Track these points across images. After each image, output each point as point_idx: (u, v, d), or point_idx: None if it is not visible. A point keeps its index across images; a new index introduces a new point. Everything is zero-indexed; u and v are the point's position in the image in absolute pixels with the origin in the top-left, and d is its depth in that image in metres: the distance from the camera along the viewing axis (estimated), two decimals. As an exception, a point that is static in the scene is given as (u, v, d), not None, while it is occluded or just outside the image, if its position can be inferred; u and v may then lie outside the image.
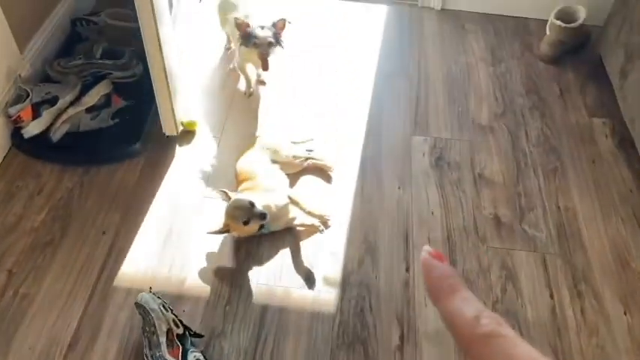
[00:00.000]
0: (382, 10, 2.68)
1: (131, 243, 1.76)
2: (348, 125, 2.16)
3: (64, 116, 1.95)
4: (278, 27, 2.05)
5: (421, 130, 2.16)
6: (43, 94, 1.97)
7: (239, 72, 2.24)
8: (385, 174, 2.01)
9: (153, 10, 1.62)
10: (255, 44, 2.00)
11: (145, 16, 1.64)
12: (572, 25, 2.34)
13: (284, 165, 1.93)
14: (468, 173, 2.03)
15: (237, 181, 1.83)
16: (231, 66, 2.29)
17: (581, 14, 2.36)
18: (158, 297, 1.51)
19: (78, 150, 1.95)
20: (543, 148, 2.13)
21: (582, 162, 2.09)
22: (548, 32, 2.41)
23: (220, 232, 1.68)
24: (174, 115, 1.93)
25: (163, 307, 1.48)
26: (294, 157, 1.95)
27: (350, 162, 2.04)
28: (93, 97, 2.02)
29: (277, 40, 2.05)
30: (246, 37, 2.01)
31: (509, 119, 2.22)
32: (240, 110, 2.19)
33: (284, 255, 1.77)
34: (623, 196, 1.99)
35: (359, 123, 2.18)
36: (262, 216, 1.63)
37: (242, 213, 1.63)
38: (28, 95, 1.94)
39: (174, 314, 1.50)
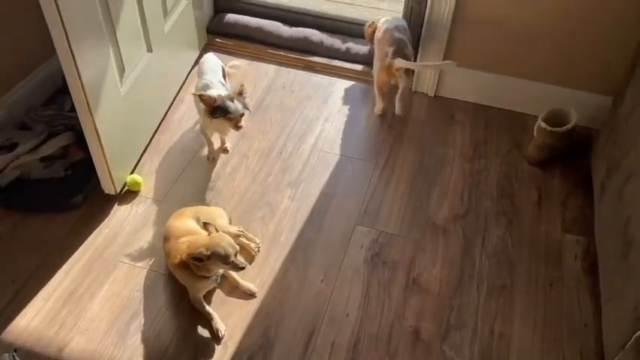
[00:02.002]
0: (371, 90, 2.59)
1: (34, 296, 1.76)
2: (296, 202, 2.08)
3: (16, 162, 2.04)
4: (242, 94, 2.05)
5: (368, 220, 2.03)
6: (3, 140, 2.09)
7: (202, 136, 2.25)
8: (314, 262, 1.90)
9: (79, 74, 1.67)
10: (229, 118, 2.00)
11: (73, 82, 1.69)
12: (559, 129, 2.14)
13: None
14: (402, 276, 1.86)
15: (173, 237, 1.75)
16: (197, 127, 2.32)
17: (572, 118, 2.16)
18: (16, 360, 1.49)
19: (21, 196, 2.02)
20: (497, 260, 1.92)
21: (538, 283, 1.86)
22: (535, 134, 2.22)
23: (199, 257, 1.58)
24: (110, 174, 1.96)
25: (16, 372, 1.46)
26: (224, 232, 1.89)
27: (283, 242, 1.95)
28: (50, 147, 2.11)
29: (247, 108, 2.05)
30: (217, 111, 1.99)
31: (468, 222, 2.04)
32: (192, 175, 2.18)
33: (177, 331, 1.69)
34: (574, 330, 1.73)
35: (307, 202, 2.09)
36: (241, 267, 1.65)
37: (234, 251, 1.63)
38: (-11, 139, 2.07)
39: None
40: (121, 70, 1.95)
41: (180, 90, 2.53)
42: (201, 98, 2.00)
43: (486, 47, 2.38)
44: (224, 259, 1.59)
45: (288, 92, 2.59)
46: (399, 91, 2.33)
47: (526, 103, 2.46)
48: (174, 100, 2.48)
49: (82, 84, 1.70)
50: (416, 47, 2.47)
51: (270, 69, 2.72)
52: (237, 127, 2.01)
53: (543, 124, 2.15)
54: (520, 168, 2.25)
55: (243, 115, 2.01)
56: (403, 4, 2.62)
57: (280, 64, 2.75)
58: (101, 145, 1.87)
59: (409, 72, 2.30)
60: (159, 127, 2.35)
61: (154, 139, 2.30)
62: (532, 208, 2.09)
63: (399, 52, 2.25)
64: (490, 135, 2.40)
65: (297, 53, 2.76)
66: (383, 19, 2.47)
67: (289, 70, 2.72)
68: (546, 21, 2.23)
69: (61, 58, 1.65)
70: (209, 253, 1.57)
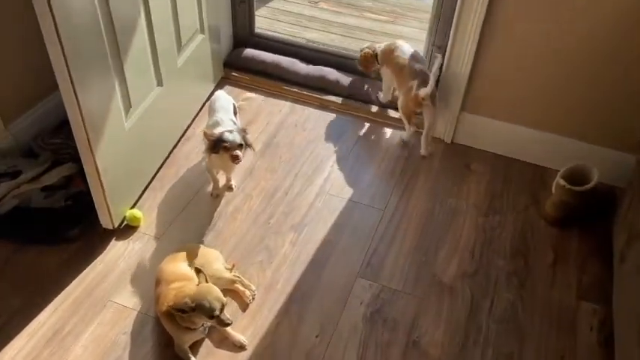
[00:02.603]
0: (387, 133, 2.54)
1: (19, 333, 1.71)
2: (297, 248, 2.00)
3: (16, 191, 2.01)
4: (245, 130, 2.03)
5: (371, 273, 1.94)
6: (6, 167, 2.07)
7: (207, 174, 2.20)
8: (310, 315, 1.80)
9: (79, 107, 1.64)
10: (225, 148, 1.96)
11: (73, 115, 1.66)
12: (579, 188, 2.02)
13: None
14: (402, 337, 1.75)
15: (164, 282, 1.70)
16: (203, 163, 2.27)
17: (594, 177, 2.04)
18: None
19: (18, 225, 1.98)
20: (506, 326, 1.80)
21: (548, 355, 1.73)
22: (553, 191, 2.10)
23: (182, 309, 1.53)
24: (109, 209, 1.91)
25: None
26: (219, 278, 1.81)
27: (280, 290, 1.87)
28: (53, 176, 2.08)
29: (247, 143, 2.01)
30: (215, 144, 1.97)
31: (477, 282, 1.92)
32: (194, 212, 2.12)
33: (157, 385, 1.62)
34: (584, 412, 1.60)
35: (308, 248, 2.01)
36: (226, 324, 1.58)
37: (220, 305, 1.55)
38: (-8, 166, 2.05)
39: None
40: (127, 104, 1.92)
41: (191, 124, 2.49)
42: (204, 133, 1.99)
43: (506, 97, 2.29)
44: (209, 313, 1.51)
45: (300, 130, 2.53)
46: (425, 129, 2.35)
47: (547, 157, 2.35)
48: (183, 134, 2.44)
49: (82, 117, 1.67)
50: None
51: (285, 106, 2.67)
52: (234, 157, 1.94)
53: (562, 182, 2.04)
54: (536, 226, 2.13)
55: (241, 146, 1.96)
56: (423, 47, 2.57)
57: (295, 101, 2.70)
58: (100, 180, 1.83)
59: (434, 100, 2.27)
60: (165, 160, 2.31)
61: (159, 173, 2.26)
62: (546, 271, 1.97)
63: (424, 84, 2.23)
64: (507, 188, 2.29)
65: (313, 91, 2.71)
66: (380, 47, 2.47)
67: (304, 107, 2.67)
68: (570, 75, 2.14)
69: (62, 90, 1.62)
70: (193, 305, 1.50)
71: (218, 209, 2.14)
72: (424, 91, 2.21)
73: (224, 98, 2.23)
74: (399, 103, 2.38)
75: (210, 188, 2.21)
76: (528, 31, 2.10)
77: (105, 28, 1.71)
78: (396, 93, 2.48)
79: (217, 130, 2.02)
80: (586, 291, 1.91)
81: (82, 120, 1.67)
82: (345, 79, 2.70)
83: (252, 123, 2.54)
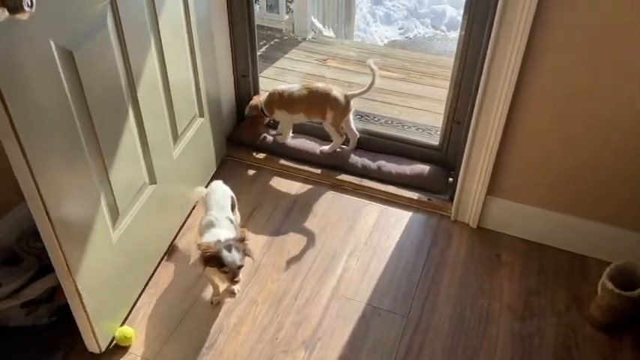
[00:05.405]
0: (405, 217, 2.30)
1: None
2: (309, 372, 1.76)
3: (-7, 309, 1.80)
4: (243, 240, 1.80)
5: (395, 400, 1.68)
6: (-16, 280, 1.86)
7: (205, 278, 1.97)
8: None
9: (54, 231, 1.43)
10: (223, 271, 1.75)
11: (47, 236, 1.45)
12: (630, 293, 1.76)
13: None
14: None
15: None
16: (202, 270, 2.04)
17: (647, 279, 1.78)
18: None
19: (-4, 350, 1.77)
20: None
21: None
22: (599, 292, 1.84)
23: None
24: (94, 333, 1.69)
25: None
26: (218, 412, 1.57)
27: None
28: (35, 289, 1.86)
29: (246, 254, 1.79)
30: (212, 261, 1.74)
31: (519, 410, 1.66)
32: (191, 325, 1.88)
33: None
34: None
35: (322, 371, 1.76)
36: None
37: None
38: (-31, 279, 1.85)
39: None
40: (114, 212, 1.70)
41: (190, 213, 2.28)
42: (198, 245, 1.78)
43: (536, 180, 2.05)
44: None
45: (310, 216, 2.31)
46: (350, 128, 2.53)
47: (584, 244, 2.10)
48: (182, 225, 2.23)
49: (55, 234, 1.44)
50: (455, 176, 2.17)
51: (294, 187, 2.46)
52: (234, 282, 1.76)
53: (610, 285, 1.78)
54: (581, 332, 1.87)
55: (241, 266, 1.75)
56: (442, 121, 2.36)
57: (305, 181, 2.48)
58: (82, 303, 1.60)
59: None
60: (162, 260, 2.09)
61: (154, 275, 2.04)
62: (598, 391, 1.70)
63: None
64: (544, 283, 2.03)
65: (324, 170, 2.49)
66: (261, 100, 2.52)
67: (314, 188, 2.45)
68: (605, 157, 1.90)
69: (27, 198, 1.36)
70: None
71: (218, 320, 1.90)
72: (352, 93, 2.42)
73: (220, 191, 2.01)
74: (329, 120, 2.42)
75: (210, 293, 1.98)
76: (560, 110, 1.88)
77: (82, 126, 1.46)
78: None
79: (211, 233, 1.81)
80: (647, 419, 1.63)
81: (56, 237, 1.44)
82: (357, 157, 2.49)
83: (257, 208, 2.32)
